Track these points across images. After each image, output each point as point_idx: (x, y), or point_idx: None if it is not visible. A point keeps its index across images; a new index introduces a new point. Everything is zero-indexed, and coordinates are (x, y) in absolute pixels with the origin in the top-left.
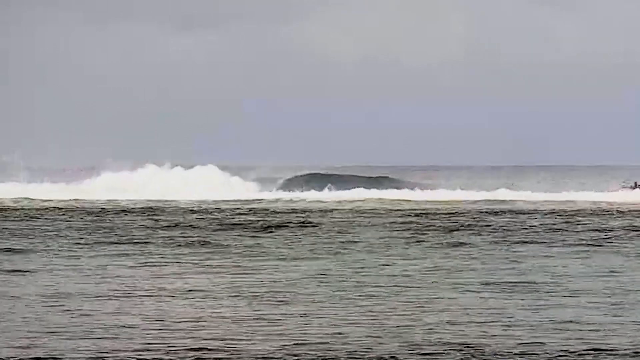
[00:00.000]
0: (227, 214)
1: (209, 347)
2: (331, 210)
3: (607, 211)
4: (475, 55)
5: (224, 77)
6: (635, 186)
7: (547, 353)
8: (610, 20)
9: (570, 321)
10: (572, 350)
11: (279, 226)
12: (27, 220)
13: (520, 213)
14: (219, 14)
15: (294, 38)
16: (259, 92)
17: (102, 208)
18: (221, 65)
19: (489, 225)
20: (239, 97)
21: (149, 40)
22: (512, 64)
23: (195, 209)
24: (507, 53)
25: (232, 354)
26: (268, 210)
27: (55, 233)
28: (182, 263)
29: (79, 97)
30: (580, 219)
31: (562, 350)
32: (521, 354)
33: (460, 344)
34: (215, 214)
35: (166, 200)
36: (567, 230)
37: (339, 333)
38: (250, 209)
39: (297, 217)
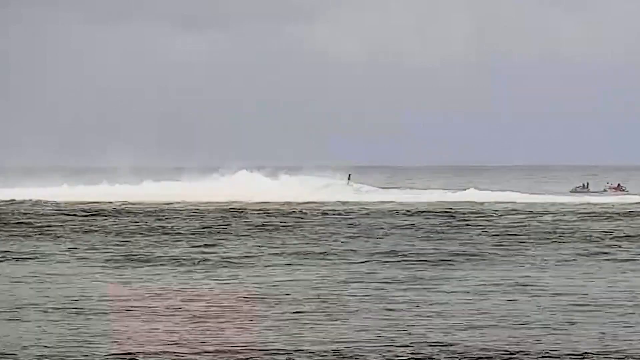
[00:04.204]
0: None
1: None
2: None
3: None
4: (477, 55)
5: (226, 77)
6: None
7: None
8: (612, 21)
9: None
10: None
11: None
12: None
13: None
14: (222, 14)
15: (298, 38)
16: (260, 92)
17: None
18: (224, 65)
19: None
20: (239, 97)
21: (151, 40)
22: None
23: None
24: (506, 53)
25: None
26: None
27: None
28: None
29: (80, 97)
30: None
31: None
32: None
33: None
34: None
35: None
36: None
37: None
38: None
39: None
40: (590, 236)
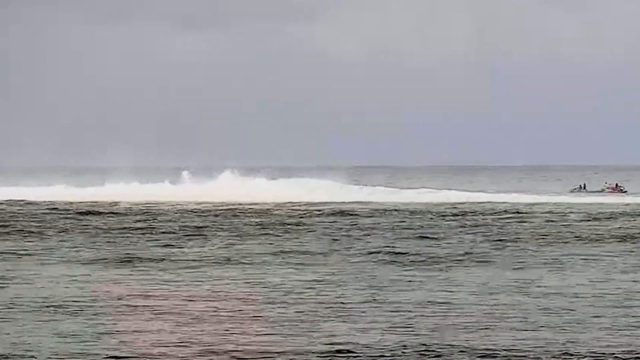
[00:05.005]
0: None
1: None
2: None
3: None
4: (477, 55)
5: (226, 77)
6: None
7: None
8: (612, 21)
9: None
10: None
11: None
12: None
13: None
14: (222, 14)
15: (298, 38)
16: (260, 92)
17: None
18: (224, 65)
19: None
20: (239, 97)
21: (151, 40)
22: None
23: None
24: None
25: None
26: None
27: None
28: None
29: (80, 97)
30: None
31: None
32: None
33: None
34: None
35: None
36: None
37: None
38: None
39: None
40: (589, 236)
